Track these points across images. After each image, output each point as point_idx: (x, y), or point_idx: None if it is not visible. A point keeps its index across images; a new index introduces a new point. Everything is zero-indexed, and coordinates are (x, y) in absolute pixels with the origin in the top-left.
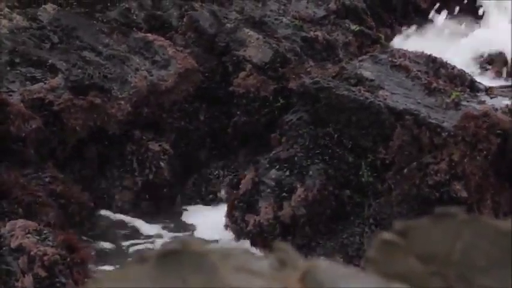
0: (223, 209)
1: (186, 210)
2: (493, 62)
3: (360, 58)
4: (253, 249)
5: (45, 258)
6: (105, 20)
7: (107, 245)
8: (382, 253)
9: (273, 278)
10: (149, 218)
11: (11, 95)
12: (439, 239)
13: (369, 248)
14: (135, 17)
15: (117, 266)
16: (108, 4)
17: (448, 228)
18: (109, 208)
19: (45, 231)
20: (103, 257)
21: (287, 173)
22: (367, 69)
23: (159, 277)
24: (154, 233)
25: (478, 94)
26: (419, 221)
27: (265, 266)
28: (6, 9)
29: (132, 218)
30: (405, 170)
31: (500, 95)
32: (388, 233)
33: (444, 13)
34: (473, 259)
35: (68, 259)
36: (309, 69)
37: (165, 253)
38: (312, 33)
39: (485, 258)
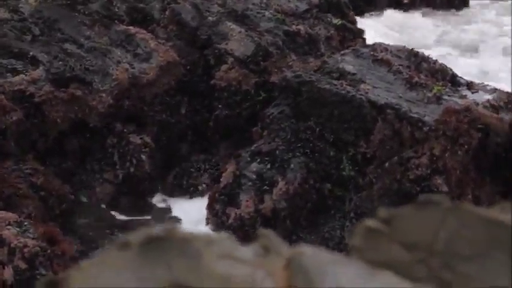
0: (204, 202)
1: (166, 203)
2: None
3: (341, 52)
4: None
5: (26, 250)
6: (86, 12)
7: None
8: (366, 240)
9: (257, 265)
10: (129, 211)
11: None
12: (423, 227)
13: (352, 236)
14: (116, 10)
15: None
16: None
17: (432, 216)
18: (89, 200)
19: (25, 223)
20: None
21: (268, 166)
22: (349, 63)
23: (143, 264)
24: (133, 227)
25: (459, 89)
26: (403, 209)
27: (249, 253)
28: None
29: (112, 212)
30: (386, 164)
31: (482, 90)
32: (372, 220)
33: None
34: (457, 247)
35: (49, 251)
36: (290, 63)
37: (149, 240)
38: (294, 27)
39: (469, 246)
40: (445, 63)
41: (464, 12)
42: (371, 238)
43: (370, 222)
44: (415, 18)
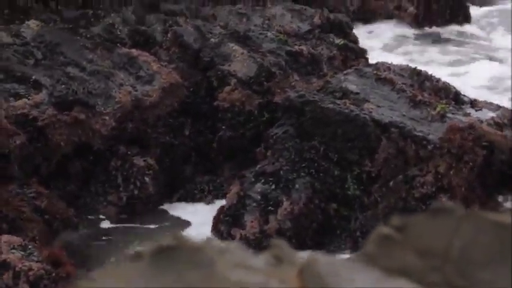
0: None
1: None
2: None
3: (344, 72)
4: None
5: (30, 273)
6: (88, 36)
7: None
8: (380, 248)
9: (270, 274)
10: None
11: None
12: (437, 234)
13: (367, 243)
14: (119, 33)
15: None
16: (92, 20)
17: (446, 223)
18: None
19: (30, 247)
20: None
21: (273, 186)
22: (352, 83)
23: (155, 274)
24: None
25: (463, 106)
26: (416, 216)
27: (261, 262)
28: None
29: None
30: (391, 183)
31: (485, 108)
32: (386, 227)
33: None
34: (472, 254)
35: (53, 274)
36: (293, 83)
37: (160, 249)
38: (296, 47)
39: (484, 253)
40: None
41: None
42: (385, 245)
43: (384, 230)
44: None
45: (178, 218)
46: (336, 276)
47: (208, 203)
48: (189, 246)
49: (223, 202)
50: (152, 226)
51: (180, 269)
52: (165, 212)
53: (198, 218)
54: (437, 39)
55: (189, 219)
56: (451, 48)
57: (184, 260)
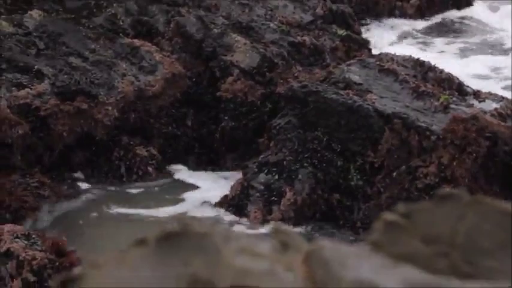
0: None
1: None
2: None
3: (347, 62)
4: None
5: (34, 262)
6: (91, 26)
7: None
8: (386, 234)
9: (276, 260)
10: None
11: None
12: (443, 221)
13: (372, 230)
14: (121, 23)
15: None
16: (94, 10)
17: (452, 209)
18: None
19: (33, 236)
20: None
21: (276, 177)
22: (355, 73)
23: (160, 261)
24: None
25: (467, 97)
26: (422, 203)
27: (267, 248)
28: None
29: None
30: (394, 174)
31: (489, 99)
32: (392, 214)
33: None
34: (477, 241)
35: (57, 263)
36: (296, 74)
37: (165, 235)
38: (299, 38)
39: (489, 239)
40: None
41: None
42: (391, 232)
43: (389, 216)
44: None
45: None
46: (341, 263)
47: None
48: (195, 232)
49: None
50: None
51: (185, 255)
52: None
53: None
54: (441, 29)
55: None
56: (455, 37)
57: (189, 246)
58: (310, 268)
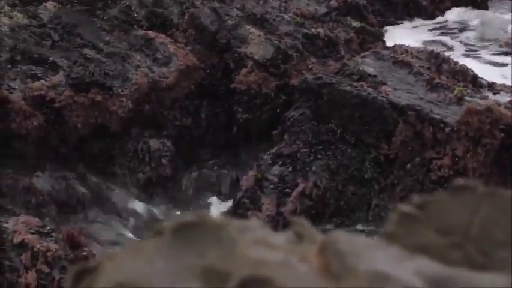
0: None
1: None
2: None
3: (362, 54)
4: None
5: (49, 254)
6: (105, 18)
7: None
8: (401, 226)
9: (291, 251)
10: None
11: (12, 93)
12: (458, 212)
13: (387, 221)
14: (135, 15)
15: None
16: (109, 1)
17: (467, 201)
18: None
19: (48, 227)
20: None
21: (290, 169)
22: (369, 65)
23: (175, 252)
24: None
25: (481, 89)
26: (437, 194)
27: (282, 239)
28: (7, 7)
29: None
30: (408, 166)
31: (503, 91)
32: (406, 205)
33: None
34: (491, 232)
35: (71, 255)
36: (310, 66)
37: (181, 226)
38: (313, 30)
39: (503, 231)
40: None
41: None
42: (405, 223)
43: (404, 208)
44: None
45: None
46: (356, 254)
47: None
48: (210, 223)
49: None
50: None
51: (200, 246)
52: None
53: None
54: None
55: None
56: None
57: (204, 238)
58: (324, 259)
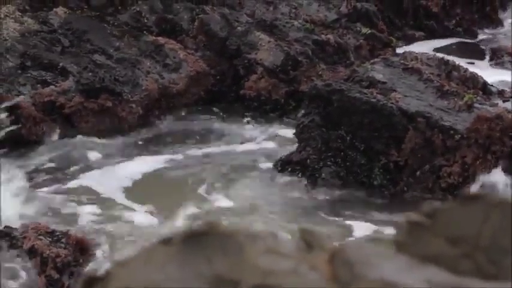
0: None
1: None
2: None
3: (371, 61)
4: None
5: (58, 259)
6: (116, 24)
7: None
8: (410, 235)
9: (301, 260)
10: None
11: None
12: (468, 221)
13: (396, 230)
14: (146, 21)
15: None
16: (119, 7)
17: (477, 210)
18: None
19: (57, 233)
20: None
21: (299, 175)
22: (379, 72)
23: (185, 260)
24: None
25: (491, 97)
26: (447, 203)
27: (292, 248)
28: (18, 13)
29: None
30: (418, 173)
31: None
32: (416, 214)
33: None
34: (502, 242)
35: (81, 260)
36: (320, 72)
37: (190, 235)
38: (323, 36)
39: None
40: None
41: None
42: (415, 232)
43: (413, 216)
44: None
45: None
46: (366, 263)
47: None
48: (220, 232)
49: None
50: None
51: (209, 254)
52: None
53: None
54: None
55: None
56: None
57: (214, 246)
58: (334, 268)
